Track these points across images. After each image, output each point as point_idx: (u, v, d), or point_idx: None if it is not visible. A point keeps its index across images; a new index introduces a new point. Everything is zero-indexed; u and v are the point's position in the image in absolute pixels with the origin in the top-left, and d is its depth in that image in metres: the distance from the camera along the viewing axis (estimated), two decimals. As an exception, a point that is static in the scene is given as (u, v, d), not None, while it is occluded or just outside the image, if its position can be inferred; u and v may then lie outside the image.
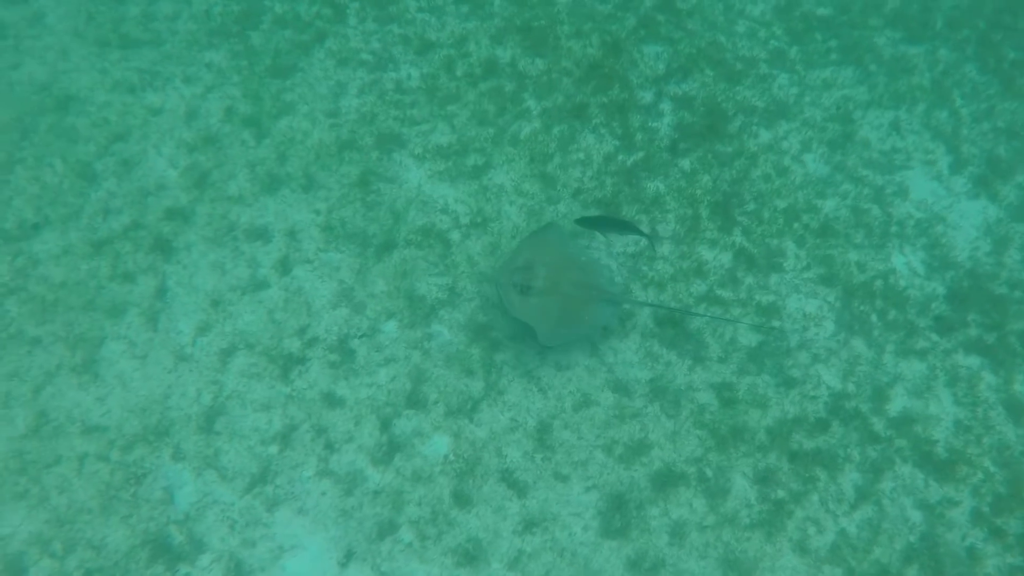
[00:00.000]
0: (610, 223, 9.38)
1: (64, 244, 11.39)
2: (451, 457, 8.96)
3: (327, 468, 9.68)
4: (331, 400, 9.36)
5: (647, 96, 11.86)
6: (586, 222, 9.04)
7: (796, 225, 10.93)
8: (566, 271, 8.62)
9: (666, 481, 8.93)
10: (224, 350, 10.46)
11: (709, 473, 9.85)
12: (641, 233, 9.16)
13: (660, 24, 12.44)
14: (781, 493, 9.69)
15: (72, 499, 9.44)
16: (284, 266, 11.08)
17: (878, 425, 9.58)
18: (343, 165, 11.01)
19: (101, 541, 9.21)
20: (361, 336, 10.54)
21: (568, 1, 12.67)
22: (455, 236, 10.43)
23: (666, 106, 11.82)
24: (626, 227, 9.09)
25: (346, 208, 10.69)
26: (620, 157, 11.29)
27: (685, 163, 11.32)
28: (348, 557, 9.13)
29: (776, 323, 10.74)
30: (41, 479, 9.56)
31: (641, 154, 11.30)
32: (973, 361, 10.68)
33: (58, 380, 10.18)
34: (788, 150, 11.61)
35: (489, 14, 12.42)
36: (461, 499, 8.79)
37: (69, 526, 9.29)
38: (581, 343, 10.13)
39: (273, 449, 9.73)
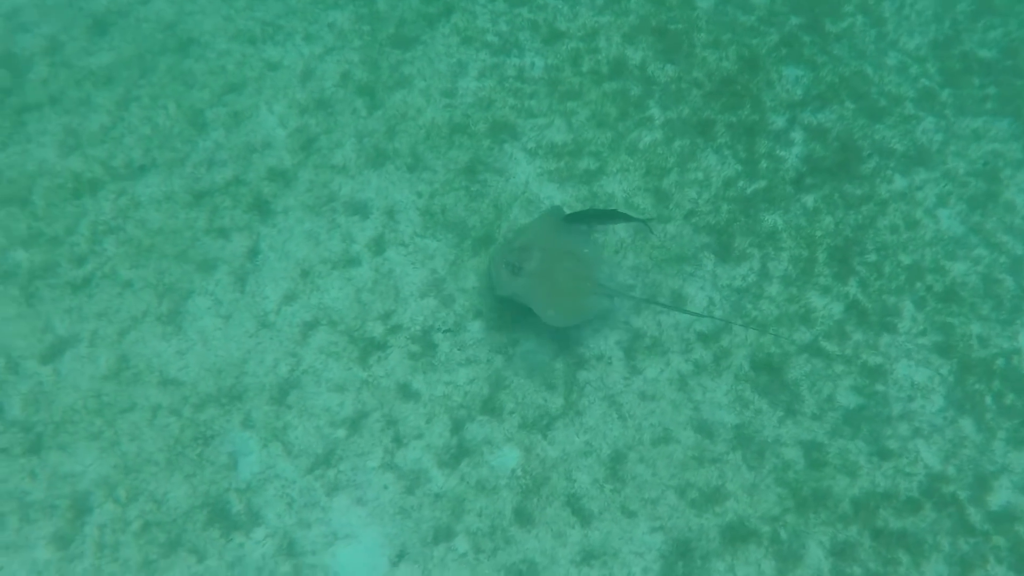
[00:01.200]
0: (600, 215, 8.93)
1: (166, 190, 11.48)
2: (519, 472, 8.75)
3: (392, 462, 9.57)
4: (406, 392, 9.24)
5: (779, 121, 11.25)
6: (576, 217, 8.94)
7: (918, 285, 10.27)
8: (563, 259, 8.43)
9: (737, 535, 8.54)
10: (307, 323, 10.41)
11: (784, 535, 9.41)
12: (634, 219, 8.76)
13: (804, 45, 11.75)
14: (857, 571, 9.15)
15: (141, 448, 9.56)
16: (378, 246, 10.94)
17: (975, 516, 8.97)
18: (452, 149, 10.76)
19: (163, 496, 9.32)
20: (446, 331, 10.35)
21: (710, 7, 12.02)
22: (556, 242, 10.05)
23: (797, 135, 11.20)
24: (617, 216, 8.65)
25: (449, 195, 10.47)
26: (740, 183, 10.76)
27: (808, 200, 10.73)
28: (400, 556, 9.03)
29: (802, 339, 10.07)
30: (115, 423, 9.71)
31: (763, 183, 10.75)
32: (1097, 467, 9.91)
33: (143, 327, 10.29)
34: (922, 202, 10.88)
35: (625, 10, 11.93)
36: (523, 517, 8.60)
37: (135, 475, 9.42)
38: (669, 375, 9.68)
39: (341, 433, 9.67)
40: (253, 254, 10.91)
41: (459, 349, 10.34)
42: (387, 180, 11.59)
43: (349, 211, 11.29)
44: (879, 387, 10.58)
